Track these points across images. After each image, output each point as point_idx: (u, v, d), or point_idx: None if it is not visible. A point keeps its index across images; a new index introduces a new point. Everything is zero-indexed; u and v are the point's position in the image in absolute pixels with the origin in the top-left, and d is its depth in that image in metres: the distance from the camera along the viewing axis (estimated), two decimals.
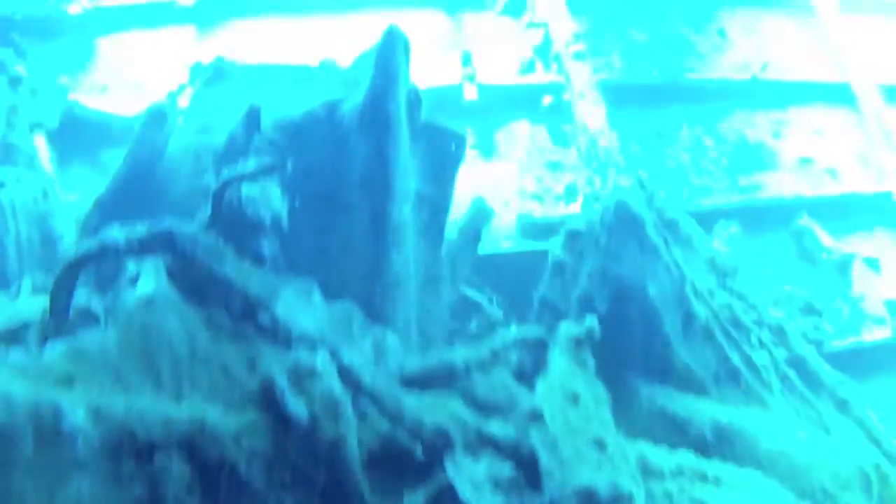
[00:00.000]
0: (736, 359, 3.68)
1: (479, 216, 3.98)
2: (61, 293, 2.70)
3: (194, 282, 2.80)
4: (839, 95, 5.47)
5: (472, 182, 4.31)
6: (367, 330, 3.08)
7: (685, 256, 3.79)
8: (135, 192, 3.61)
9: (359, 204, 3.34)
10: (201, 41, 5.22)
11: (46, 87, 4.92)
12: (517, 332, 3.34)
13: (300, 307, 2.89)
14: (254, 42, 5.10)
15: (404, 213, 3.36)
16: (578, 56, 5.10)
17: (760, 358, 3.73)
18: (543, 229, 4.46)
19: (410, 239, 3.42)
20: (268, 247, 2.94)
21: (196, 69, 4.97)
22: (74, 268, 2.71)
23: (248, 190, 2.93)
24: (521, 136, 4.96)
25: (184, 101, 4.79)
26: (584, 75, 5.03)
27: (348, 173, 3.35)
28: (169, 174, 3.61)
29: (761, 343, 3.82)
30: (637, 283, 3.57)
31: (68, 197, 4.35)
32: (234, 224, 2.91)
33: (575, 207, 4.61)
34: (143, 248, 2.73)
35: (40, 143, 4.52)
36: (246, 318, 2.80)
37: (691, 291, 3.71)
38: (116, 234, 2.71)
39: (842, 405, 3.73)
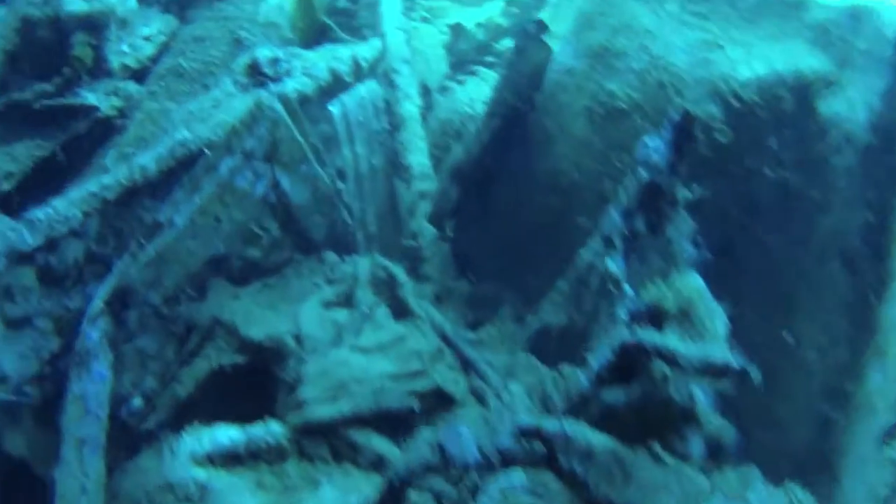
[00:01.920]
0: None
1: None
2: None
3: None
4: None
5: None
6: None
7: None
8: (505, 150, 2.68)
9: (836, 278, 2.30)
10: None
11: None
12: None
13: None
14: None
15: None
16: None
17: None
18: None
19: None
20: (698, 443, 1.94)
21: None
22: (401, 488, 1.83)
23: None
24: None
25: None
26: None
27: (826, 222, 2.30)
28: (554, 135, 2.62)
29: None
30: None
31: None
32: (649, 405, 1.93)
33: None
34: (502, 460, 1.81)
35: None
36: None
37: None
38: (464, 445, 1.80)
39: None
